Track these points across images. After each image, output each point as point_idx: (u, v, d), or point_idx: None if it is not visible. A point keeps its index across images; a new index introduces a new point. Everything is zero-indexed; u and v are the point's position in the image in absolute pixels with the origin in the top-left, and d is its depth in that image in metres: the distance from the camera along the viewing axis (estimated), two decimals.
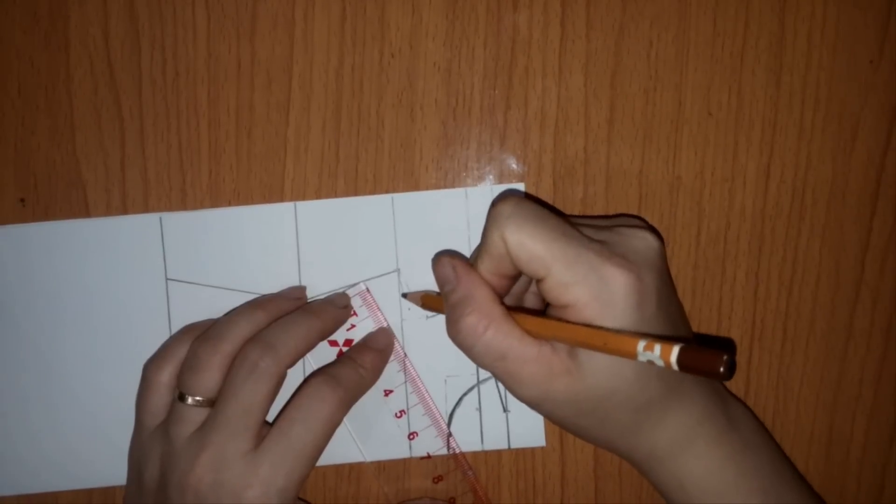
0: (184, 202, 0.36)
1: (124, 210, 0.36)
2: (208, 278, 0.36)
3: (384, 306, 0.36)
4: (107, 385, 0.36)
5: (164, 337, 0.35)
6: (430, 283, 0.36)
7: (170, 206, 0.36)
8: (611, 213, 0.37)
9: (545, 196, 0.36)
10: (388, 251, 0.36)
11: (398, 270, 0.36)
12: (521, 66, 0.36)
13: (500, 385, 0.36)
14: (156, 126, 0.36)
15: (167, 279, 0.36)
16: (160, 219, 0.36)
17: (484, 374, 0.36)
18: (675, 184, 0.37)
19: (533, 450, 0.37)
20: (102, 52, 0.36)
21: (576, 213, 0.37)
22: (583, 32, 0.36)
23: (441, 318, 0.36)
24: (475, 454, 0.37)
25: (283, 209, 0.36)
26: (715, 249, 0.37)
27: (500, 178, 0.36)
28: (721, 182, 0.37)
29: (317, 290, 0.36)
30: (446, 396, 0.36)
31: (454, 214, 0.36)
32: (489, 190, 0.36)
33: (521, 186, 0.36)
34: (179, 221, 0.36)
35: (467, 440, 0.37)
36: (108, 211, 0.36)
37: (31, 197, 0.36)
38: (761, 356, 0.37)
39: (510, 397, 0.36)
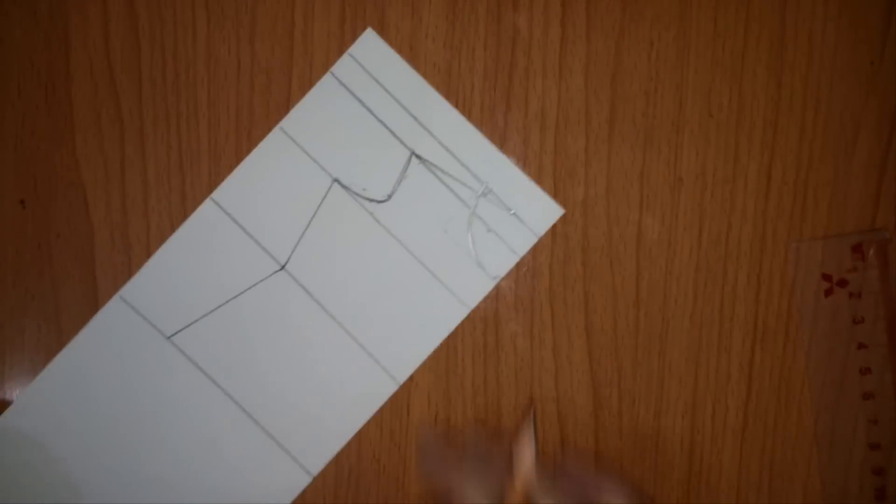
0: (183, 203, 0.36)
1: (124, 212, 0.36)
2: (200, 309, 0.36)
3: (346, 218, 0.36)
4: (196, 459, 0.36)
5: (210, 388, 0.36)
6: (366, 172, 0.36)
7: (169, 208, 0.36)
8: (612, 213, 0.36)
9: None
10: (314, 171, 0.36)
11: (336, 179, 0.36)
12: (522, 67, 0.36)
13: (493, 195, 0.36)
14: (155, 127, 0.36)
15: (168, 338, 0.36)
16: (121, 297, 0.36)
17: (472, 199, 0.36)
18: (676, 185, 0.37)
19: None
20: (102, 53, 0.36)
21: (576, 215, 0.36)
22: (583, 33, 0.36)
23: (404, 188, 0.36)
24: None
25: (207, 209, 0.36)
26: (716, 251, 0.37)
27: None
28: (722, 183, 0.37)
29: (286, 248, 0.36)
30: (456, 242, 0.36)
31: (339, 98, 0.36)
32: (348, 57, 0.35)
33: (369, 32, 0.36)
34: (138, 285, 0.36)
35: (502, 261, 0.36)
36: (108, 212, 0.36)
37: (30, 198, 0.36)
38: (763, 358, 0.37)
39: (506, 198, 0.36)
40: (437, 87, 0.36)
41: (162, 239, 0.36)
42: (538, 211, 0.36)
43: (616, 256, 0.37)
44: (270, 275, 0.36)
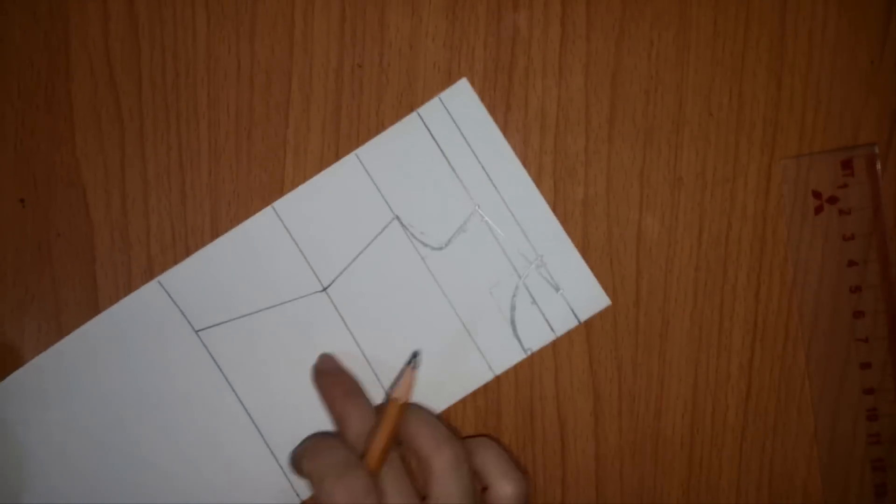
0: (183, 203, 0.36)
1: (124, 211, 0.36)
2: (233, 311, 0.36)
3: (397, 256, 0.36)
4: (193, 452, 0.36)
5: (225, 390, 0.36)
6: (427, 216, 0.36)
7: (169, 207, 0.36)
8: (611, 213, 0.36)
9: (546, 197, 0.36)
10: (377, 204, 0.36)
11: (396, 217, 0.36)
12: (522, 67, 0.36)
13: (545, 270, 0.36)
14: (155, 127, 0.36)
15: (196, 332, 0.36)
16: (159, 282, 0.36)
17: (524, 268, 0.36)
18: (676, 184, 0.37)
19: (533, 451, 0.37)
20: (102, 52, 0.35)
21: (576, 215, 0.36)
22: (583, 32, 0.36)
23: (460, 240, 0.36)
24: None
25: (265, 216, 0.36)
26: (716, 250, 0.37)
27: None
28: (722, 182, 0.37)
29: (332, 271, 0.36)
30: (499, 306, 0.36)
31: (418, 139, 0.36)
32: (437, 101, 0.36)
33: (463, 82, 0.36)
34: (177, 275, 0.36)
35: (539, 336, 0.36)
36: (108, 212, 0.36)
37: (30, 197, 0.36)
38: (762, 357, 0.37)
39: (557, 275, 0.36)
40: (438, 88, 0.36)
41: (162, 239, 0.36)
42: (585, 296, 0.36)
43: (616, 256, 0.37)
44: (311, 293, 0.36)
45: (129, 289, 0.36)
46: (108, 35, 0.36)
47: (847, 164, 0.36)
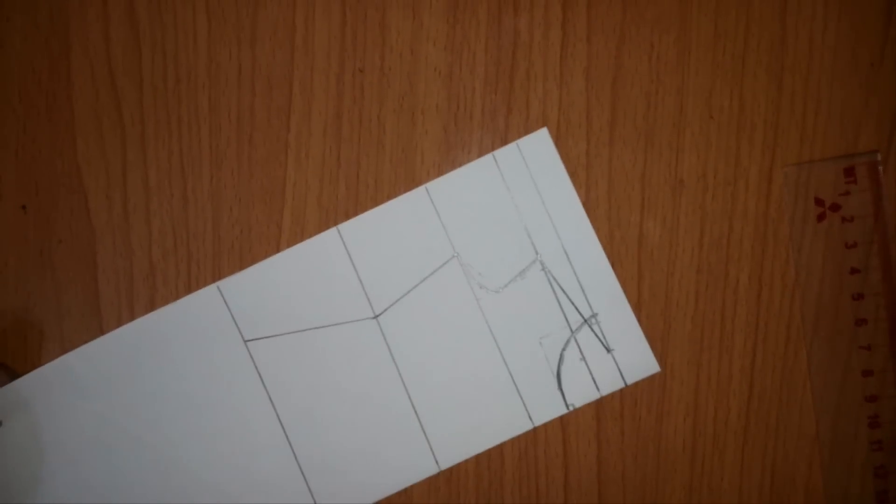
0: (185, 208, 0.36)
1: (125, 217, 0.36)
2: (283, 326, 0.36)
3: (453, 294, 0.36)
4: (223, 461, 0.36)
5: (263, 402, 0.36)
6: (487, 258, 0.36)
7: (171, 213, 0.36)
8: (613, 216, 0.37)
9: None
10: (440, 240, 0.36)
11: (457, 255, 0.36)
12: (523, 70, 0.36)
13: (598, 327, 0.36)
14: (157, 132, 0.36)
15: (245, 342, 0.36)
16: (218, 288, 0.36)
17: (577, 323, 0.36)
18: (677, 187, 0.37)
19: (535, 454, 0.37)
20: (103, 58, 0.35)
21: None
22: (584, 36, 0.36)
23: (517, 286, 0.36)
24: (478, 458, 0.37)
25: (329, 236, 0.36)
26: (718, 253, 0.37)
27: None
28: (724, 185, 0.37)
29: (386, 300, 0.36)
30: (547, 358, 0.36)
31: (490, 182, 0.36)
32: (515, 147, 0.36)
33: (543, 131, 0.36)
34: (236, 283, 0.36)
35: (583, 393, 0.36)
36: (110, 217, 0.36)
37: (32, 204, 0.36)
38: (765, 359, 0.37)
39: (611, 336, 0.36)
40: (438, 91, 0.36)
41: (164, 244, 0.36)
42: (635, 359, 0.37)
43: (617, 259, 0.37)
44: (361, 319, 0.36)
45: (130, 294, 0.36)
46: (109, 41, 0.36)
47: (850, 172, 0.36)
